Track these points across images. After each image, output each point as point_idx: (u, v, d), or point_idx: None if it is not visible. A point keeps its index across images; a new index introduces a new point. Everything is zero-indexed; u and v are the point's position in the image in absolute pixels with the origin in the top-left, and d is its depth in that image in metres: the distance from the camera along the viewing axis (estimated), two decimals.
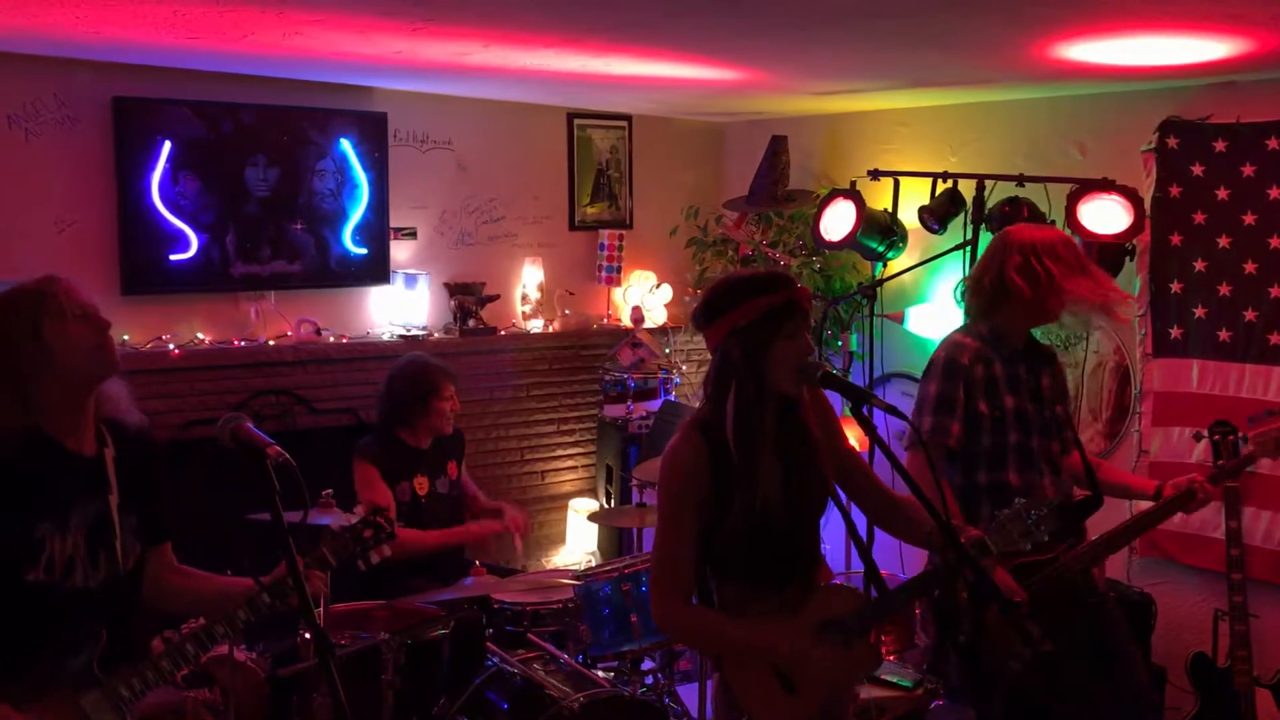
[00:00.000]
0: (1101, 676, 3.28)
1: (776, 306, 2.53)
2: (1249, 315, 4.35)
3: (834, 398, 2.86)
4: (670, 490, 2.60)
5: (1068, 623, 3.17)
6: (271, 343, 5.15)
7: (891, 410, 2.49)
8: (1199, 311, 4.48)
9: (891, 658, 4.49)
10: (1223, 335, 4.42)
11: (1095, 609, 3.33)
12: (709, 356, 2.67)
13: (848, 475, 2.77)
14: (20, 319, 2.36)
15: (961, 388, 3.23)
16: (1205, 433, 3.82)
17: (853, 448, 2.84)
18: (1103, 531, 3.38)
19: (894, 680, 4.21)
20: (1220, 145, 4.39)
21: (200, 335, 5.03)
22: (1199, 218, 4.46)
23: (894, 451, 2.61)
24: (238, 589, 2.48)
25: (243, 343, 5.09)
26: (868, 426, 2.52)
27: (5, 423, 2.31)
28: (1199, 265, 4.47)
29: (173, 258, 4.88)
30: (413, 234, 5.63)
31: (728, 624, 2.60)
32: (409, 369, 4.47)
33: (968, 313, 3.42)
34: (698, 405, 2.71)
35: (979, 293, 3.32)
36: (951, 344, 3.32)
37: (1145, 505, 3.47)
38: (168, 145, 4.81)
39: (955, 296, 3.46)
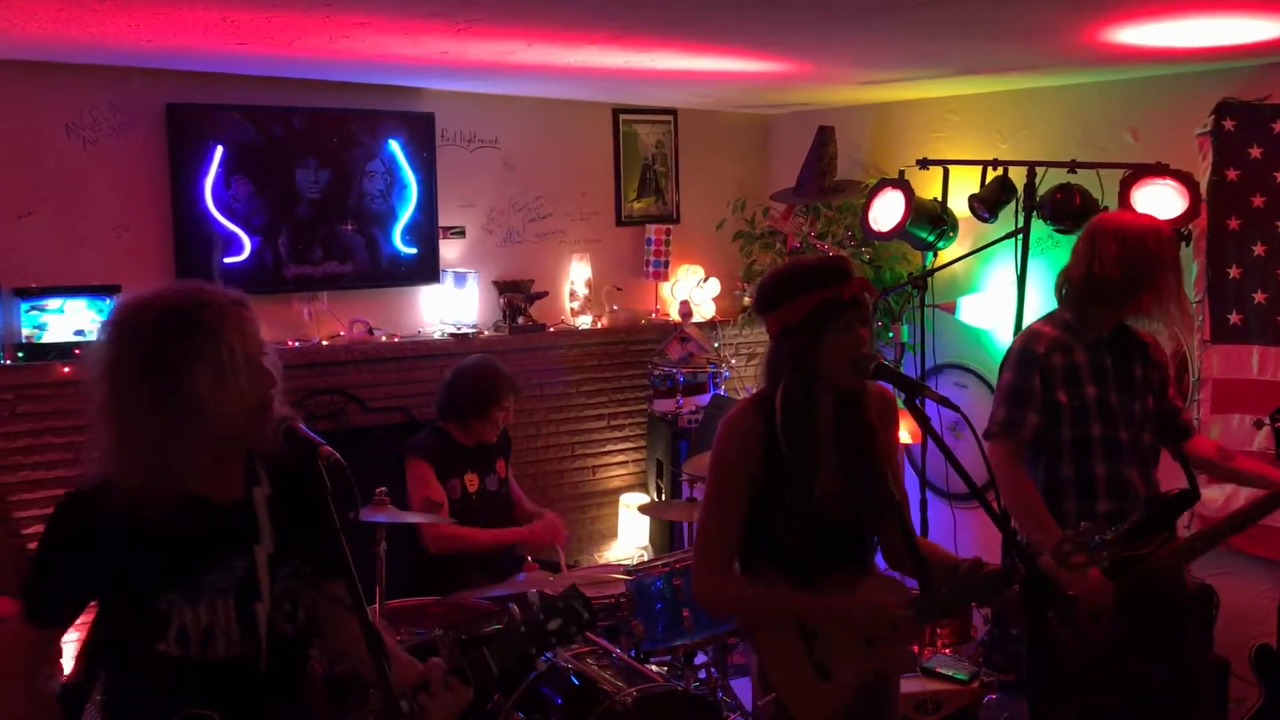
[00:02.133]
0: (1173, 685, 3.20)
1: (824, 302, 2.50)
2: None
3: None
4: (724, 459, 2.59)
5: (1153, 624, 3.11)
6: (325, 342, 5.21)
7: (944, 401, 2.47)
8: (1258, 297, 4.39)
9: (948, 651, 4.47)
10: None
11: (1180, 609, 3.25)
12: (759, 350, 2.67)
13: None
14: (169, 365, 1.92)
15: (1037, 377, 3.15)
16: (1266, 420, 3.74)
17: (898, 465, 2.78)
18: (1200, 528, 3.29)
19: (950, 674, 4.19)
20: (1278, 126, 4.29)
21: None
22: (1258, 201, 4.37)
23: (946, 442, 2.58)
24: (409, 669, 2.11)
25: (296, 343, 5.15)
26: (922, 418, 2.50)
27: (147, 479, 1.93)
28: (1258, 249, 4.38)
29: (227, 260, 4.95)
30: (461, 233, 5.67)
31: (779, 592, 2.56)
32: (479, 370, 4.47)
33: (1059, 299, 3.31)
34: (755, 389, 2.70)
35: (1069, 280, 3.23)
36: (1029, 333, 3.26)
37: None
38: (220, 150, 4.88)
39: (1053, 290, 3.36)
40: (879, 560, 2.77)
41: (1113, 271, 3.10)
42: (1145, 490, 3.20)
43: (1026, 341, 3.22)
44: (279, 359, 2.09)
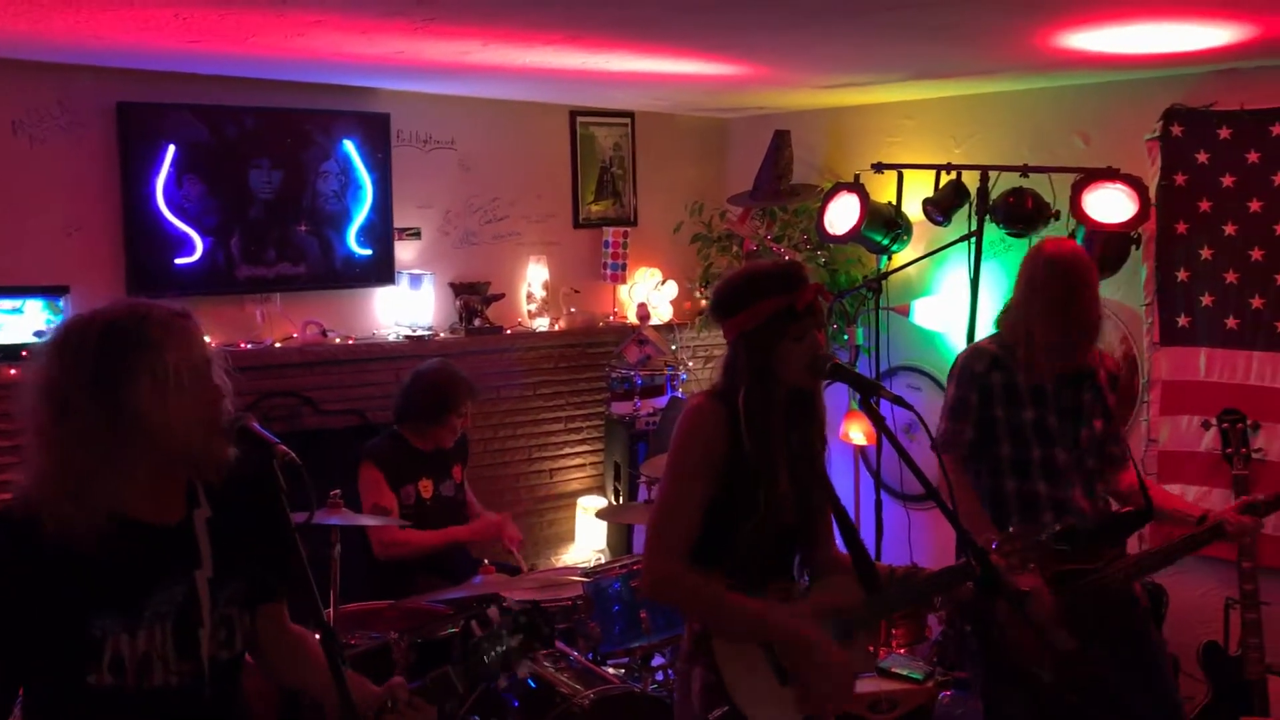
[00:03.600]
0: (1138, 689, 3.25)
1: (780, 310, 2.50)
2: (1256, 302, 4.34)
3: (841, 390, 2.87)
4: (686, 448, 2.53)
5: (1106, 632, 3.17)
6: (278, 345, 5.15)
7: (899, 401, 2.48)
8: (1206, 299, 4.47)
9: (902, 651, 4.50)
10: (1230, 323, 4.41)
11: (1131, 619, 3.31)
12: (716, 352, 2.67)
13: None
14: (107, 378, 1.85)
15: (975, 393, 3.26)
16: (1214, 421, 3.82)
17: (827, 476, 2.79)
18: (1145, 547, 3.38)
19: (905, 673, 4.22)
20: (1225, 132, 4.37)
21: (206, 338, 5.01)
22: (1205, 205, 4.45)
23: (901, 444, 2.60)
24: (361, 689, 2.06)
25: (249, 345, 5.09)
26: (877, 418, 2.51)
27: (79, 503, 1.85)
28: (1205, 253, 4.46)
29: (178, 261, 4.89)
30: (417, 234, 5.64)
31: (733, 593, 2.49)
32: (436, 375, 4.42)
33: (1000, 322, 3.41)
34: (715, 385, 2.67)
35: (1011, 303, 3.34)
36: (973, 350, 3.38)
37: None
38: (172, 149, 4.82)
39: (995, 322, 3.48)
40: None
41: (1035, 295, 3.22)
42: (1090, 509, 3.28)
43: (968, 358, 3.34)
44: (228, 373, 2.02)
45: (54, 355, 1.90)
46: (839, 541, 2.68)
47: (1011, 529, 2.66)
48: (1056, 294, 3.19)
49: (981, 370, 3.27)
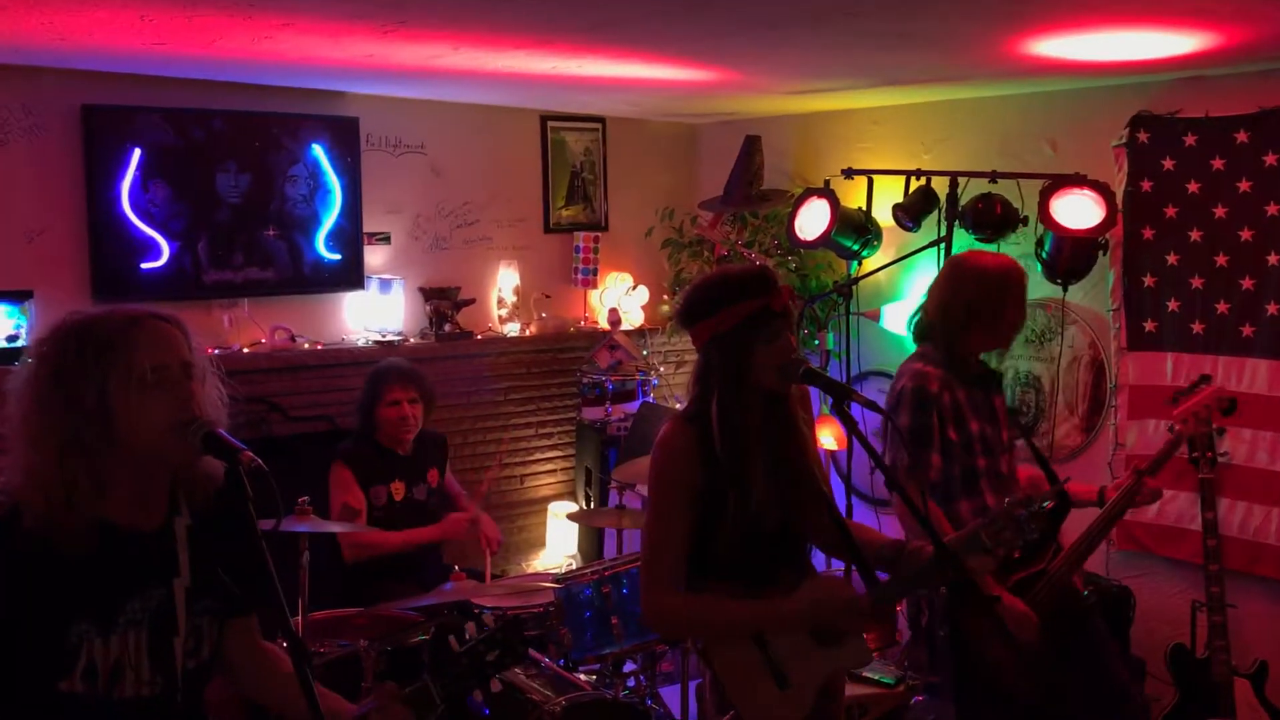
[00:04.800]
0: (1089, 680, 3.28)
1: (755, 312, 2.52)
2: (1221, 307, 4.38)
3: (813, 396, 2.87)
4: (665, 478, 2.57)
5: (1055, 630, 3.17)
6: (245, 350, 5.11)
7: (871, 405, 2.49)
8: (1172, 304, 4.51)
9: (874, 655, 4.51)
10: (1196, 328, 4.45)
11: (1079, 614, 3.34)
12: (687, 358, 2.67)
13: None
14: (80, 378, 1.86)
15: (935, 417, 3.20)
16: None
17: (818, 462, 2.80)
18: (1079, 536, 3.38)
19: (876, 678, 4.22)
20: (1190, 139, 4.42)
21: (193, 344, 4.96)
22: (1170, 211, 4.49)
23: (873, 446, 2.60)
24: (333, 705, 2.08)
25: (216, 351, 5.04)
26: (850, 423, 2.52)
27: (73, 507, 1.85)
28: (1171, 259, 4.50)
29: (144, 266, 4.83)
30: (386, 239, 5.61)
31: (733, 603, 2.55)
32: (369, 374, 4.48)
33: (924, 338, 3.39)
34: (684, 401, 2.70)
35: (941, 319, 3.31)
36: (916, 373, 3.26)
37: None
38: (138, 153, 4.76)
39: (908, 326, 3.49)
40: (817, 557, 2.80)
41: (974, 303, 3.24)
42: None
43: (919, 381, 3.23)
44: (219, 378, 2.04)
45: (34, 362, 1.92)
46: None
47: (991, 512, 2.63)
48: (1006, 301, 3.25)
49: (935, 392, 3.20)
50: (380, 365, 4.51)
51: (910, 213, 4.82)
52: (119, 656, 1.89)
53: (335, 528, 3.98)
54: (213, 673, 2.09)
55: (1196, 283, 4.44)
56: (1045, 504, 2.55)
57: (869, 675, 4.24)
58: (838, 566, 4.57)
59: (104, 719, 1.90)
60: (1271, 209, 4.23)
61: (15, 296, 4.54)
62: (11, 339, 4.53)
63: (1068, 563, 3.32)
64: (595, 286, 6.22)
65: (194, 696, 2.03)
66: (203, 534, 2.01)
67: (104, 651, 1.88)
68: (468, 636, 2.16)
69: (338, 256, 5.36)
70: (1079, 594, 3.37)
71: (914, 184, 4.85)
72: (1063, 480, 3.39)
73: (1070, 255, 4.45)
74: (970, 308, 3.24)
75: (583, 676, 3.78)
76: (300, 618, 3.59)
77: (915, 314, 3.47)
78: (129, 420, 1.87)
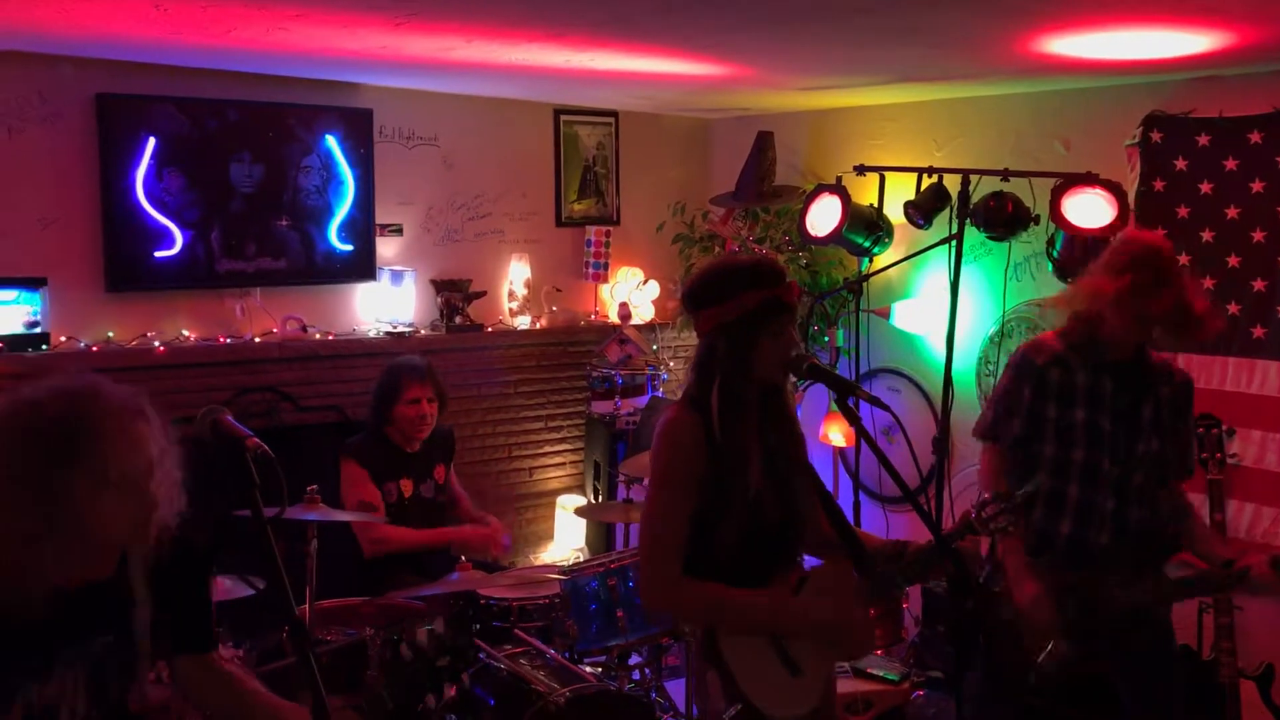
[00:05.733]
0: (1134, 677, 3.24)
1: (761, 305, 2.52)
2: (1232, 309, 4.36)
3: (821, 391, 2.87)
4: (668, 463, 2.56)
5: (1123, 643, 3.13)
6: (257, 340, 5.13)
7: (876, 402, 2.49)
8: None
9: (879, 653, 4.52)
10: None
11: (1154, 643, 3.23)
12: (696, 351, 2.66)
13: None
14: (46, 484, 1.85)
15: (1029, 387, 3.13)
16: None
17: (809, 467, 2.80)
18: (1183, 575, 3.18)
19: (880, 674, 4.24)
20: (1203, 139, 4.40)
21: (185, 332, 5.01)
22: (1183, 212, 4.48)
23: (877, 444, 2.61)
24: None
25: (228, 340, 5.07)
26: (853, 418, 2.52)
27: (22, 579, 1.88)
28: (1182, 259, 4.48)
29: (157, 254, 4.86)
30: (399, 230, 5.62)
31: (734, 590, 2.54)
32: (384, 371, 4.47)
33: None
34: (685, 385, 2.69)
35: (1083, 296, 3.13)
36: (1034, 343, 3.22)
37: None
38: (152, 142, 4.79)
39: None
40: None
41: (1127, 284, 3.01)
42: (1119, 524, 3.13)
43: (1028, 351, 3.19)
44: (177, 470, 2.02)
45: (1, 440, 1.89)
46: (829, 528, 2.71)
47: (985, 496, 2.61)
48: (1139, 290, 3.01)
49: (1042, 364, 3.12)
50: (398, 363, 4.49)
51: (922, 210, 4.82)
52: (55, 697, 1.93)
53: (344, 517, 3.99)
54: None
55: (1208, 283, 4.42)
56: (1021, 496, 2.59)
57: (873, 671, 4.25)
58: None
59: None
60: None
61: (29, 283, 4.57)
62: (31, 325, 4.57)
63: (1131, 595, 3.11)
64: (606, 281, 6.23)
65: None
66: (159, 570, 2.05)
67: (40, 691, 1.92)
68: (420, 644, 2.18)
69: (350, 247, 5.38)
70: (1158, 626, 3.24)
71: (926, 181, 4.84)
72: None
73: (1081, 254, 4.42)
74: (1106, 289, 3.03)
75: (587, 669, 3.79)
76: (307, 606, 3.61)
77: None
78: (93, 520, 1.89)
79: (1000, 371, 3.30)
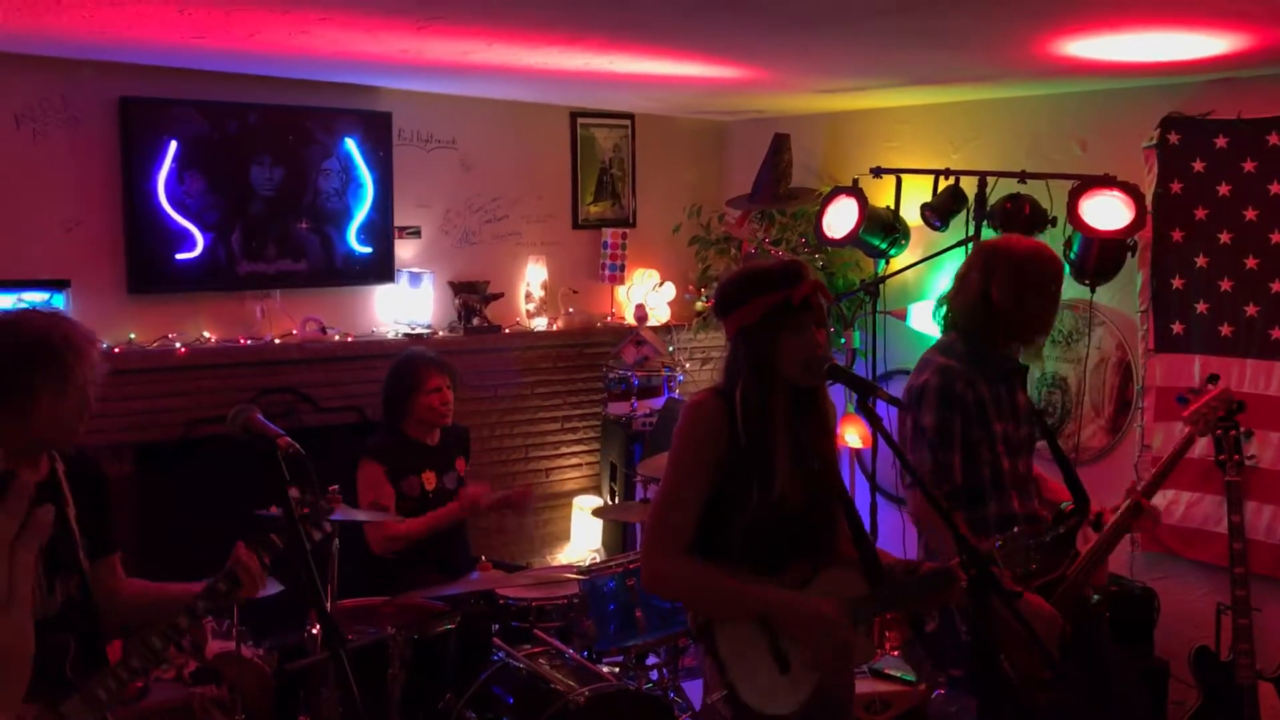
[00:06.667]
0: (1097, 685, 3.25)
1: (782, 303, 2.54)
2: (1250, 310, 4.36)
3: (839, 393, 2.89)
4: (688, 442, 2.58)
5: (1074, 641, 3.11)
6: (277, 341, 5.17)
7: (896, 403, 2.53)
8: (1200, 307, 4.50)
9: (895, 653, 4.53)
10: (1224, 330, 4.43)
11: (1088, 622, 3.24)
12: (713, 354, 2.70)
13: None
14: (19, 385, 2.32)
15: (959, 418, 3.03)
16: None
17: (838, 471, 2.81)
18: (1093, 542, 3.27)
19: (897, 675, 4.24)
20: (1221, 141, 4.40)
21: (206, 334, 5.05)
22: (1200, 213, 4.48)
23: (899, 446, 2.62)
24: (185, 596, 2.46)
25: (248, 341, 5.11)
26: (875, 420, 2.53)
27: None
28: (1200, 261, 4.49)
29: (179, 257, 4.90)
30: (417, 233, 5.66)
31: (731, 576, 2.55)
32: (397, 364, 4.51)
33: (951, 328, 3.21)
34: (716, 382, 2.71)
35: (966, 311, 3.13)
36: (941, 369, 3.08)
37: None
38: (174, 145, 4.83)
39: (934, 314, 3.32)
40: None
41: (1010, 301, 3.04)
42: (1047, 517, 3.17)
43: (944, 378, 3.05)
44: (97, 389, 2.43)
45: None
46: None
47: (1017, 529, 2.64)
48: (1031, 293, 3.07)
49: (961, 390, 3.04)
50: (408, 354, 4.54)
51: (938, 212, 4.83)
52: (21, 581, 2.25)
53: (365, 517, 4.02)
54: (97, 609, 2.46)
55: (1225, 285, 4.42)
56: (1052, 534, 2.56)
57: (891, 672, 4.27)
58: None
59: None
60: None
61: (53, 286, 4.61)
62: None
63: (1085, 568, 3.22)
64: (622, 282, 6.25)
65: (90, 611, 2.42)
66: (76, 480, 2.46)
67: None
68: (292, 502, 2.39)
69: (369, 250, 5.41)
70: (1089, 602, 3.27)
71: (942, 183, 4.85)
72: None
73: (1098, 256, 4.45)
74: (994, 300, 3.06)
75: (605, 668, 3.82)
76: (328, 605, 3.64)
77: (941, 302, 3.26)
78: (47, 420, 2.33)
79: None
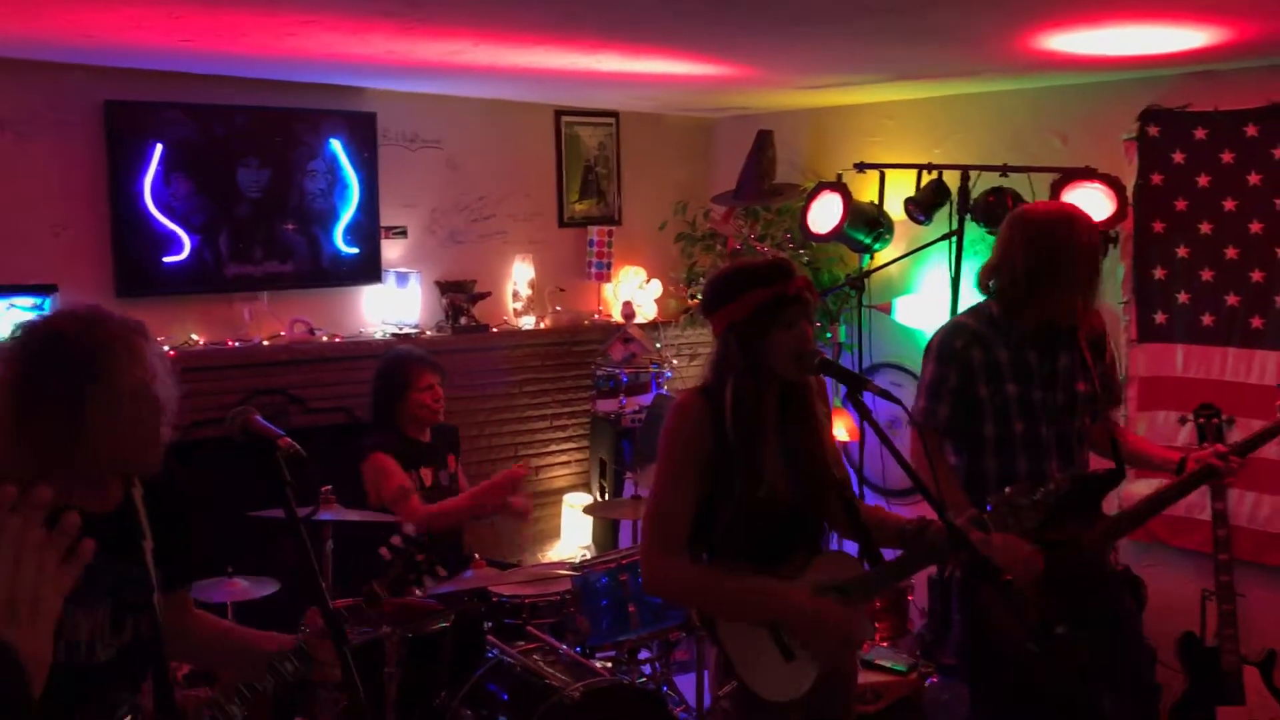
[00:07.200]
0: (1104, 652, 3.28)
1: (771, 299, 2.58)
2: (1231, 300, 4.42)
3: (828, 387, 2.92)
4: (672, 446, 2.63)
5: (1086, 610, 3.12)
6: (265, 343, 5.17)
7: (887, 396, 2.54)
8: (1182, 297, 4.55)
9: (885, 644, 4.57)
10: (1206, 320, 4.49)
11: (1103, 584, 3.28)
12: (700, 350, 2.74)
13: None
14: (61, 398, 1.96)
15: (954, 372, 3.13)
16: (1190, 416, 3.89)
17: (835, 447, 2.87)
18: (1121, 510, 3.36)
19: (889, 665, 4.29)
20: (1200, 133, 4.46)
21: (194, 336, 5.05)
22: (1180, 205, 4.53)
23: (888, 437, 2.66)
24: (257, 647, 2.30)
25: (237, 343, 5.10)
26: (864, 412, 2.57)
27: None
28: (1181, 251, 4.54)
29: (166, 260, 4.90)
30: (403, 233, 5.67)
31: (731, 576, 2.60)
32: (385, 363, 4.53)
33: (985, 292, 3.24)
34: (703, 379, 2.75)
35: (996, 279, 3.16)
36: (951, 326, 3.24)
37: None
38: (159, 148, 4.83)
39: (974, 283, 3.35)
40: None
41: (1023, 262, 3.05)
42: (1060, 482, 3.09)
43: (946, 335, 3.19)
44: (173, 383, 2.11)
45: (13, 365, 2.00)
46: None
47: (1008, 489, 2.67)
48: (1063, 261, 3.05)
49: (961, 347, 3.13)
50: (398, 353, 4.55)
51: (922, 206, 4.87)
52: (91, 630, 2.02)
53: (356, 516, 4.02)
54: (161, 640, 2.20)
55: (1206, 275, 4.48)
56: (1041, 494, 2.60)
57: (882, 662, 4.31)
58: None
59: (76, 682, 2.02)
60: None
61: (39, 290, 4.61)
62: None
63: (1106, 533, 3.26)
64: (609, 280, 6.27)
65: (154, 658, 2.16)
66: (158, 505, 2.16)
67: (73, 626, 2.00)
68: (397, 545, 2.35)
69: (355, 250, 5.42)
70: (1106, 565, 3.31)
71: (925, 178, 4.89)
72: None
73: None
74: (1017, 264, 3.06)
75: (599, 664, 3.84)
76: (325, 604, 3.65)
77: (979, 269, 3.27)
78: (104, 435, 1.98)
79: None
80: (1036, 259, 3.04)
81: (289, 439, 1.96)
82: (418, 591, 2.36)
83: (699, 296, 5.88)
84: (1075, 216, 3.15)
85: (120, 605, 2.07)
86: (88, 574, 1.85)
